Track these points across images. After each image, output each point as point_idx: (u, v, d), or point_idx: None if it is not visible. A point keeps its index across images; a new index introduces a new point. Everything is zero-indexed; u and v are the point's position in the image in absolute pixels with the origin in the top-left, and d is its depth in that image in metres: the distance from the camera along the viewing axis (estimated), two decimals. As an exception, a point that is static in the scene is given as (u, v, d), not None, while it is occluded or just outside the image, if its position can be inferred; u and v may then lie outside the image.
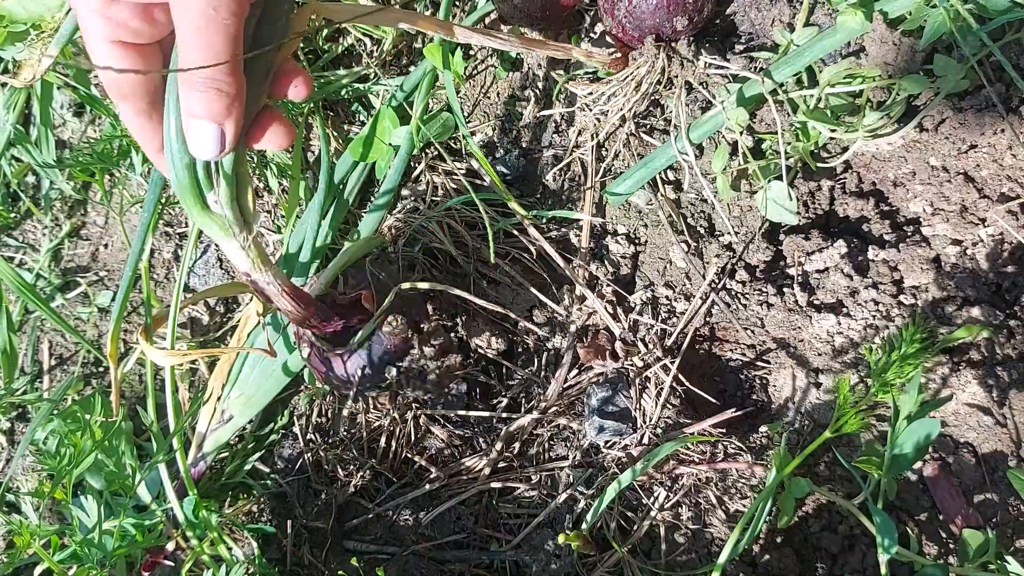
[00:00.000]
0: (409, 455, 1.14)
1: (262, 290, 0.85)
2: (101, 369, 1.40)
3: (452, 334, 1.11)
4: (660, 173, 1.15)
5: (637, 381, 1.08)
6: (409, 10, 1.23)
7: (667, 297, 1.12)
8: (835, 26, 1.00)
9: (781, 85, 1.04)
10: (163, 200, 1.33)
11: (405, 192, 1.24)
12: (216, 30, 0.55)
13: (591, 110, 1.17)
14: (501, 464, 1.12)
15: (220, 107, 0.59)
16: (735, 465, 1.03)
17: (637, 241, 1.17)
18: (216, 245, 1.37)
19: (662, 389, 1.06)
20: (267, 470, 1.21)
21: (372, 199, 1.24)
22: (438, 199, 1.22)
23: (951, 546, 0.96)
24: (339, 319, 1.00)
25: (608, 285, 1.15)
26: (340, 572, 1.06)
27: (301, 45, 1.31)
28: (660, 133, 1.17)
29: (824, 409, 1.02)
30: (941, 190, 1.02)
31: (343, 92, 1.30)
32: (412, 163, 1.25)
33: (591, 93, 1.17)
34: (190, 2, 0.53)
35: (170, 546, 1.09)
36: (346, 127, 1.33)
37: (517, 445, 1.12)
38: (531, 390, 1.16)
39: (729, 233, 1.11)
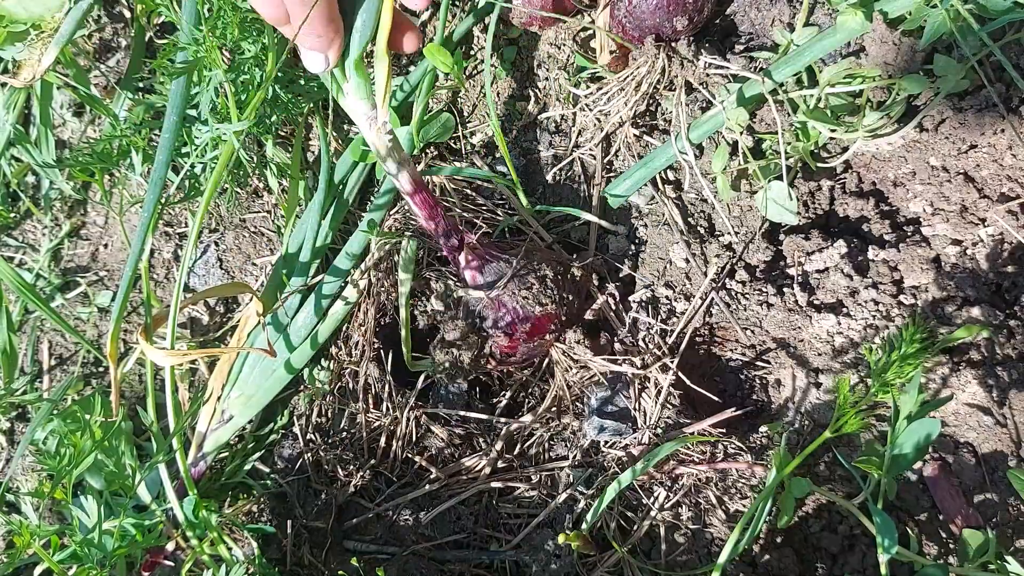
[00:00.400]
0: (409, 455, 1.14)
1: (391, 176, 0.99)
2: (101, 369, 1.40)
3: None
4: (660, 173, 1.15)
5: (637, 381, 1.08)
6: None
7: (667, 297, 1.12)
8: (835, 26, 1.00)
9: (781, 85, 1.04)
10: (163, 200, 1.32)
11: (405, 192, 1.24)
12: (309, 4, 0.78)
13: (591, 110, 1.17)
14: (501, 464, 1.12)
15: (321, 44, 0.84)
16: (735, 465, 1.03)
17: (637, 241, 1.17)
18: (216, 244, 1.37)
19: (662, 389, 1.06)
20: (267, 470, 1.21)
21: (372, 199, 1.24)
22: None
23: (951, 546, 0.96)
24: (456, 249, 1.04)
25: (608, 285, 1.15)
26: (340, 572, 1.06)
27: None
28: (660, 133, 1.17)
29: (824, 409, 1.02)
30: (941, 190, 1.02)
31: (343, 92, 1.30)
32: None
33: (591, 93, 1.17)
34: None
35: (170, 546, 1.09)
36: (346, 127, 1.33)
37: (517, 445, 1.12)
38: (531, 389, 1.16)
39: (729, 233, 1.11)
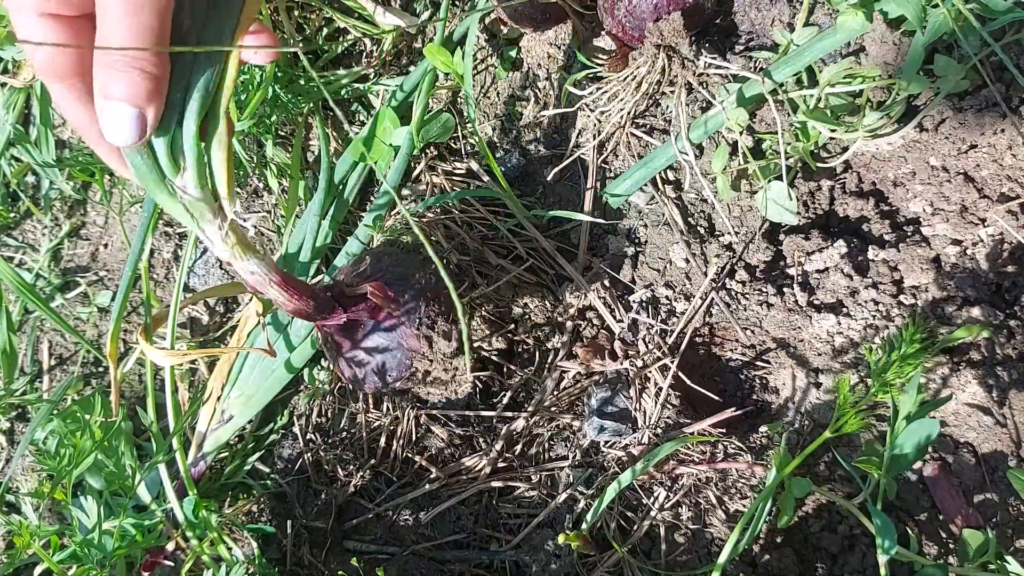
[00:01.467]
0: (409, 455, 1.14)
1: (246, 280, 0.79)
2: (101, 369, 1.40)
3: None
4: (660, 173, 1.15)
5: (637, 381, 1.08)
6: None
7: (667, 297, 1.12)
8: (835, 26, 1.00)
9: (781, 85, 1.04)
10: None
11: (405, 192, 1.24)
12: (144, 3, 0.48)
13: (591, 110, 1.17)
14: (501, 464, 1.12)
15: (143, 89, 0.52)
16: (735, 465, 1.03)
17: (637, 241, 1.17)
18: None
19: (661, 389, 1.06)
20: (267, 470, 1.21)
21: (372, 199, 1.24)
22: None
23: (951, 546, 0.96)
24: (342, 311, 0.94)
25: (608, 285, 1.15)
26: (340, 572, 1.06)
27: (301, 46, 1.31)
28: (660, 133, 1.17)
29: (824, 409, 1.02)
30: (941, 190, 1.02)
31: (343, 92, 1.30)
32: (412, 163, 1.25)
33: (591, 93, 1.17)
34: None
35: (170, 546, 1.09)
36: (346, 127, 1.33)
37: (517, 445, 1.12)
38: (531, 389, 1.16)
39: (729, 233, 1.11)
